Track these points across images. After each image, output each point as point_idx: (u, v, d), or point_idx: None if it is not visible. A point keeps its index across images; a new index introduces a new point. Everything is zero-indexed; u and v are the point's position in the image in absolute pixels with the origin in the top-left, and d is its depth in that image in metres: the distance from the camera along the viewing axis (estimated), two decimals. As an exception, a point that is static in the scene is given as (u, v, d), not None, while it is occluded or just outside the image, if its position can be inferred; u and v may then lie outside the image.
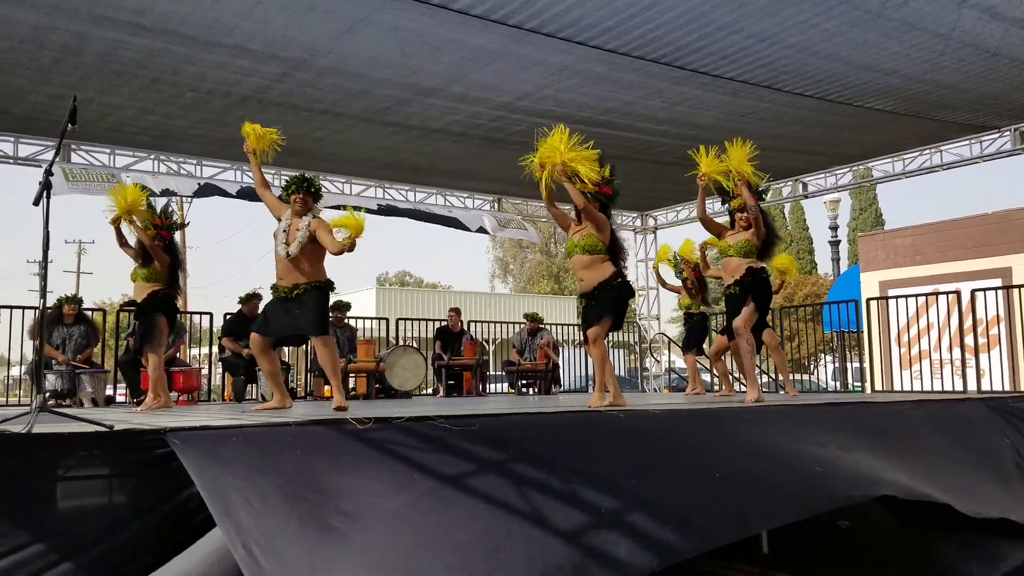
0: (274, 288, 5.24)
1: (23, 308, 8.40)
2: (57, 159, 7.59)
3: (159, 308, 6.08)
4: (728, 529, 3.41)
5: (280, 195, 5.53)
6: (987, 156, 10.27)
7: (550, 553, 2.97)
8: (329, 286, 5.25)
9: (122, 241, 6.25)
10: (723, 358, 7.94)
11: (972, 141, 10.31)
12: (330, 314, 9.35)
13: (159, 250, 6.07)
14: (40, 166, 9.43)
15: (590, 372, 12.80)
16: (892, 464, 4.25)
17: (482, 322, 13.88)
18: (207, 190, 10.35)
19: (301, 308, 5.09)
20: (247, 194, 10.60)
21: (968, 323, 9.00)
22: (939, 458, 4.67)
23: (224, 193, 10.40)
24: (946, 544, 4.28)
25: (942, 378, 10.14)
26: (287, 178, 5.56)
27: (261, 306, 9.12)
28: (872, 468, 4.13)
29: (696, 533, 3.28)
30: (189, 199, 13.90)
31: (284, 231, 5.24)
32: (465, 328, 11.10)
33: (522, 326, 11.40)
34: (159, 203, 6.57)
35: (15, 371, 15.69)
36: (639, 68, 7.64)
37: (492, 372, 15.73)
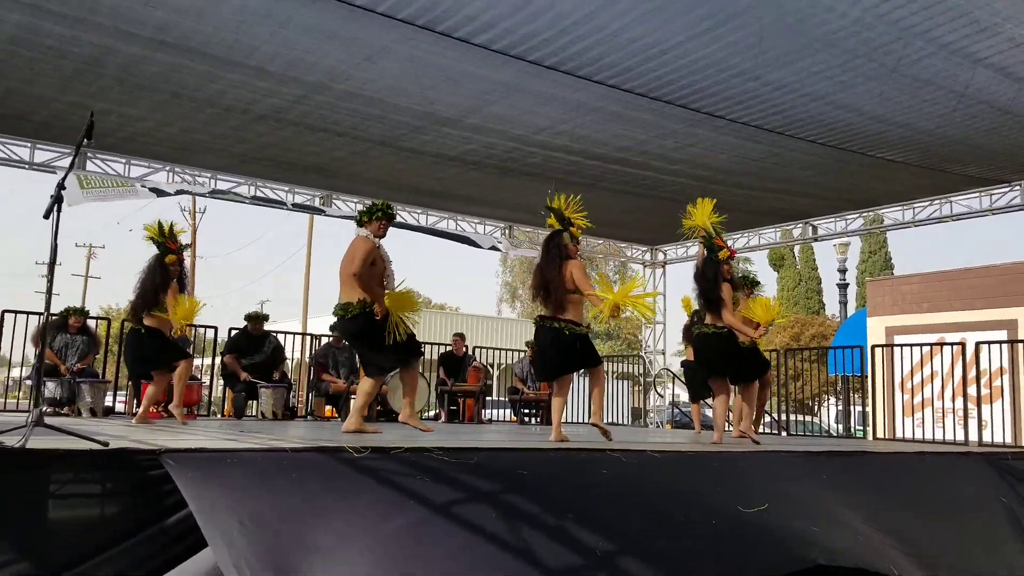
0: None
1: (27, 313, 8.45)
2: (73, 168, 7.68)
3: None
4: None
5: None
6: (996, 209, 10.28)
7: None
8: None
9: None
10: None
11: (982, 194, 10.32)
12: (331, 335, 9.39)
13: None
14: (54, 172, 9.52)
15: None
16: (886, 531, 4.23)
17: (488, 348, 13.87)
18: (222, 192, 10.48)
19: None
20: (262, 200, 10.74)
21: (972, 374, 8.96)
22: (937, 523, 4.64)
23: (238, 196, 10.54)
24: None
25: (944, 427, 10.08)
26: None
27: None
28: (862, 533, 4.11)
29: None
30: (202, 211, 13.89)
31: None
32: (470, 352, 11.10)
33: (525, 354, 11.39)
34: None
35: (15, 372, 15.77)
36: (655, 109, 7.69)
37: (495, 398, 15.72)
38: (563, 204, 5.63)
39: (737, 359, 6.38)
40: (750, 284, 7.68)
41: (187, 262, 6.90)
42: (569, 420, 11.83)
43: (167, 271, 6.27)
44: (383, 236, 5.66)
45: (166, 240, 6.34)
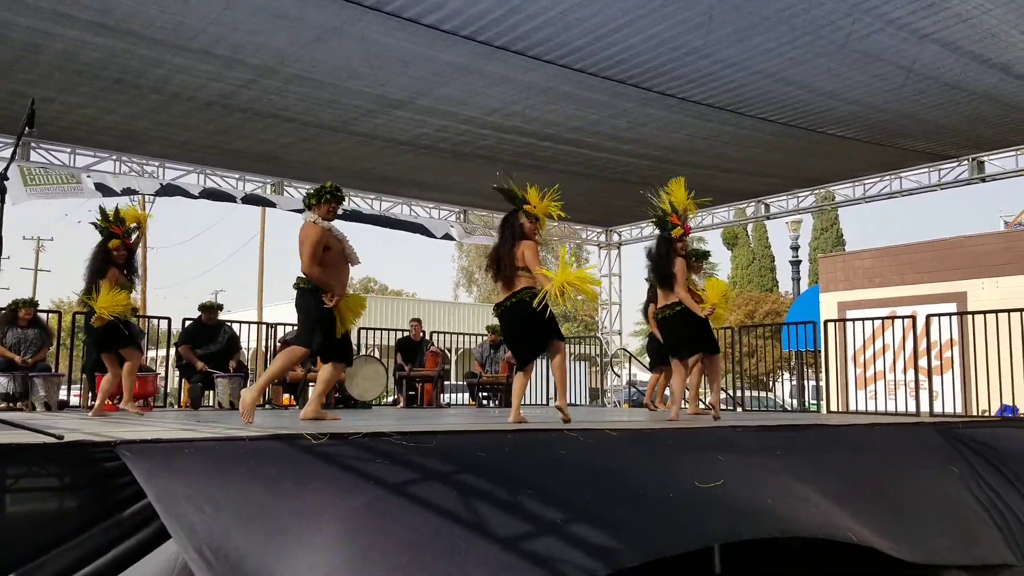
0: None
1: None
2: (15, 159, 7.44)
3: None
4: (673, 543, 3.49)
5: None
6: (944, 184, 10.51)
7: (505, 554, 3.03)
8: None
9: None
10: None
11: (931, 169, 10.54)
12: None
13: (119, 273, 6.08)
14: (-4, 162, 9.22)
15: (549, 386, 12.85)
16: (841, 501, 4.32)
17: (445, 333, 13.84)
18: (170, 190, 10.24)
19: None
20: (210, 194, 10.53)
21: (923, 346, 9.18)
22: (891, 491, 4.75)
23: (187, 194, 10.31)
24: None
25: (896, 399, 10.34)
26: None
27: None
28: (817, 504, 4.21)
29: (641, 544, 3.39)
30: (152, 200, 13.71)
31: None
32: (427, 337, 11.07)
33: (484, 338, 11.40)
34: (110, 205, 6.46)
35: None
36: (607, 88, 7.69)
37: (453, 382, 15.74)
38: (535, 193, 5.61)
39: (701, 331, 6.44)
40: (700, 257, 7.69)
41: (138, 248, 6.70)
42: (530, 401, 11.89)
43: (109, 256, 6.10)
44: (332, 218, 5.59)
45: (110, 225, 6.18)
